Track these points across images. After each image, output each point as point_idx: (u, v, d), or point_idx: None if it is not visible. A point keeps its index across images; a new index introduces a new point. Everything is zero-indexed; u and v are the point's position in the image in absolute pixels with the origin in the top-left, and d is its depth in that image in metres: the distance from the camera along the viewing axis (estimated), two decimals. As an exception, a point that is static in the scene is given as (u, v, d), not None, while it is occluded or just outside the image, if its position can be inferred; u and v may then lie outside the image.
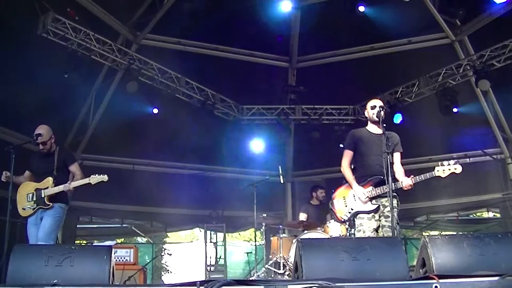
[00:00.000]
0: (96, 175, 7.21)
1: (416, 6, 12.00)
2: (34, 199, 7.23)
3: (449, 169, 6.35)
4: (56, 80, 11.08)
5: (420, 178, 6.41)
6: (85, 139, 13.46)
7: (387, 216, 6.48)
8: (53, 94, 11.29)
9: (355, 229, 6.80)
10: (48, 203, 7.16)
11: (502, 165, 13.71)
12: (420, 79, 13.20)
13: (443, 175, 6.37)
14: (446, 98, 12.67)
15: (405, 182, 6.39)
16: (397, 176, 6.53)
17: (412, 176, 6.47)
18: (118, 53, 12.08)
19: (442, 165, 6.38)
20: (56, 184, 7.22)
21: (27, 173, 7.59)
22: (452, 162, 6.37)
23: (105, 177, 7.21)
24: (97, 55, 11.72)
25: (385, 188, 6.37)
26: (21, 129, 10.58)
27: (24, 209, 7.28)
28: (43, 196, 7.17)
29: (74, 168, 7.46)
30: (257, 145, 14.44)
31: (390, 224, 6.34)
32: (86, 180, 7.20)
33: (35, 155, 7.61)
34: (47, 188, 7.21)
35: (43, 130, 7.33)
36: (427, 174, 6.41)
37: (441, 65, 12.89)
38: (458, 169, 6.35)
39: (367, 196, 6.58)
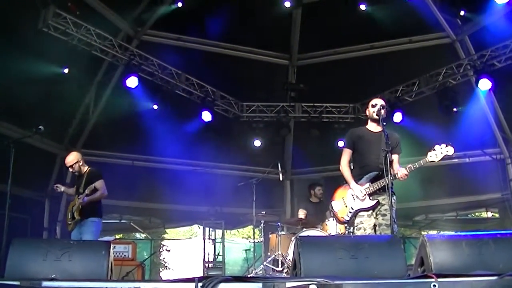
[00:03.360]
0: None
1: (417, 5, 12.00)
2: (71, 216, 8.29)
3: (441, 153, 6.32)
4: (56, 74, 11.09)
5: (415, 166, 6.39)
6: (84, 134, 13.46)
7: (384, 215, 6.50)
8: (53, 89, 11.29)
9: (354, 227, 6.80)
10: (76, 216, 8.13)
11: (501, 165, 13.71)
12: (420, 78, 13.21)
13: (436, 160, 6.33)
14: (446, 97, 12.68)
15: (400, 172, 6.38)
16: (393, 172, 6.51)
17: (406, 165, 6.45)
18: (118, 49, 12.07)
19: (434, 150, 6.36)
20: None
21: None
22: (443, 145, 6.35)
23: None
24: (97, 50, 11.70)
25: (382, 182, 6.38)
26: (21, 124, 10.58)
27: (68, 224, 8.38)
28: (73, 212, 8.19)
29: (97, 184, 8.27)
30: (256, 142, 14.42)
31: (387, 222, 6.35)
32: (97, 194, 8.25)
33: (74, 176, 8.88)
34: (75, 205, 8.22)
35: (69, 156, 8.56)
36: (421, 161, 6.38)
37: (441, 64, 12.88)
38: (450, 151, 6.32)
39: (365, 194, 6.59)
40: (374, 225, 6.57)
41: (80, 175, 8.47)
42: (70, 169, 8.55)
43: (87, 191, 7.97)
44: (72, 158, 8.46)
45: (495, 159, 13.77)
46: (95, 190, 8.14)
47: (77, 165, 8.43)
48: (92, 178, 8.33)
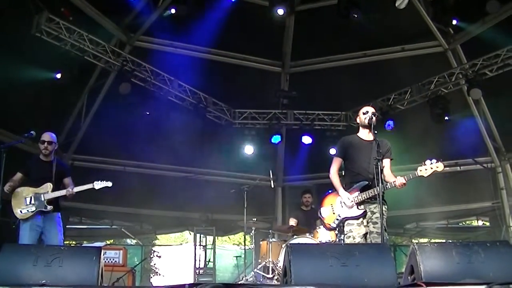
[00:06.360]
0: (100, 181, 7.59)
1: (410, 14, 12.05)
2: (33, 202, 7.38)
3: (431, 168, 6.32)
4: (49, 80, 11.06)
5: (409, 177, 6.40)
6: (76, 140, 13.41)
7: (375, 223, 6.47)
8: (45, 94, 11.26)
9: (344, 235, 6.79)
10: (48, 206, 7.36)
11: (492, 174, 13.79)
12: (412, 87, 13.26)
13: (425, 175, 6.34)
14: (438, 106, 12.73)
15: (398, 181, 6.37)
16: (387, 179, 6.52)
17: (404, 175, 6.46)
18: (111, 54, 12.07)
19: (424, 164, 6.38)
20: (53, 191, 7.46)
21: (18, 175, 7.65)
22: (434, 161, 6.36)
23: (109, 183, 7.60)
24: (90, 56, 11.70)
25: (371, 193, 6.39)
26: (13, 129, 10.54)
27: (21, 211, 7.35)
28: (43, 199, 7.36)
29: (67, 181, 7.70)
30: (248, 149, 14.41)
31: (378, 231, 6.35)
32: (90, 185, 7.54)
33: (34, 161, 7.82)
34: (47, 192, 7.42)
35: (51, 134, 7.78)
36: (410, 174, 6.39)
37: (433, 73, 12.95)
38: (440, 167, 6.32)
39: (352, 201, 6.59)
40: (365, 234, 6.56)
41: (47, 162, 7.72)
42: (44, 145, 7.64)
43: (77, 187, 7.49)
44: (53, 137, 7.82)
45: (486, 168, 13.84)
46: (64, 185, 7.67)
47: (52, 147, 7.73)
48: (63, 171, 7.82)
